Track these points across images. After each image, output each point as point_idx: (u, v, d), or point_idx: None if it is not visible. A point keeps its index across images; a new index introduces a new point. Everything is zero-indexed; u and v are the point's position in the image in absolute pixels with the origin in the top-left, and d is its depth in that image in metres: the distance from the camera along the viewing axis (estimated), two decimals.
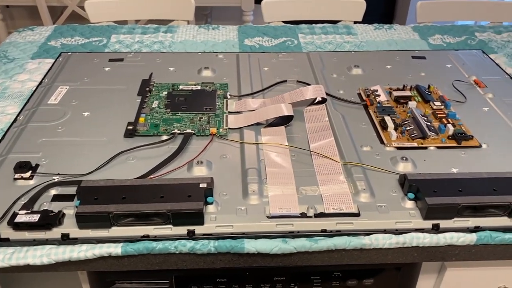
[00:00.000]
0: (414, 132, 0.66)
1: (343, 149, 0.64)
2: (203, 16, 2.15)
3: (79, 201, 0.51)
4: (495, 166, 0.61)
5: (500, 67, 0.88)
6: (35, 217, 0.50)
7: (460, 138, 0.64)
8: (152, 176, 0.57)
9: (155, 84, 0.77)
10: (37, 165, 0.59)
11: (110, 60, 0.86)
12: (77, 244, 0.50)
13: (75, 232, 0.50)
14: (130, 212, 0.50)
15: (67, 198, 0.54)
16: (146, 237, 0.51)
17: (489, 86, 0.80)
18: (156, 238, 0.51)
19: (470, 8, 1.34)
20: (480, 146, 0.65)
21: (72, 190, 0.54)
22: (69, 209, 0.52)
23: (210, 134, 0.65)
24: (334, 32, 1.05)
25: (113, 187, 0.53)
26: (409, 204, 0.54)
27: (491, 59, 0.92)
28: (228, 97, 0.75)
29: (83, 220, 0.50)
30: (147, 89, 0.75)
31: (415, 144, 0.64)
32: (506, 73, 0.86)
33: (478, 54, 0.93)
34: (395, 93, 0.74)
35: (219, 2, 1.86)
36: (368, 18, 1.96)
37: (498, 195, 0.53)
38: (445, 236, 0.52)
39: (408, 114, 0.70)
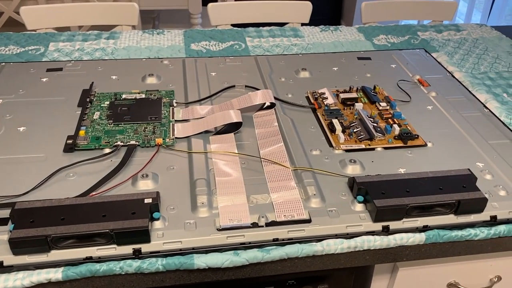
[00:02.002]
0: (362, 134, 0.66)
1: (293, 154, 0.63)
2: (151, 19, 2.10)
3: (13, 225, 0.48)
4: (440, 164, 0.62)
5: (442, 65, 0.91)
6: None
7: (406, 138, 0.65)
8: (93, 193, 0.54)
9: (96, 94, 0.73)
10: None
11: (48, 70, 0.82)
12: (13, 272, 0.47)
13: (9, 259, 0.47)
14: (70, 233, 0.47)
15: (0, 222, 0.50)
16: (89, 259, 0.48)
17: (432, 84, 0.83)
18: (99, 260, 0.48)
19: (412, 8, 1.38)
20: (425, 145, 0.66)
21: (5, 213, 0.50)
22: (3, 234, 0.48)
23: (155, 145, 0.63)
24: (281, 35, 1.04)
25: (50, 207, 0.49)
26: (359, 207, 0.54)
27: (433, 57, 0.94)
28: (174, 105, 0.72)
29: (18, 246, 0.46)
30: (88, 99, 0.71)
31: (363, 146, 0.64)
32: (448, 71, 0.89)
33: (421, 53, 0.95)
34: (342, 95, 0.74)
35: (165, 5, 1.83)
36: (316, 18, 1.99)
37: (443, 194, 0.54)
38: (395, 238, 0.53)
39: (355, 116, 0.71)
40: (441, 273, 0.61)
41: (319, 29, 1.08)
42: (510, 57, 0.98)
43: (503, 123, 0.73)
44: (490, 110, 0.76)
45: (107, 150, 0.62)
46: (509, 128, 0.72)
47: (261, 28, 1.08)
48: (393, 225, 0.53)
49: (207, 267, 0.49)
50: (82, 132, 0.64)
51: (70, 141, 0.62)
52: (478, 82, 0.86)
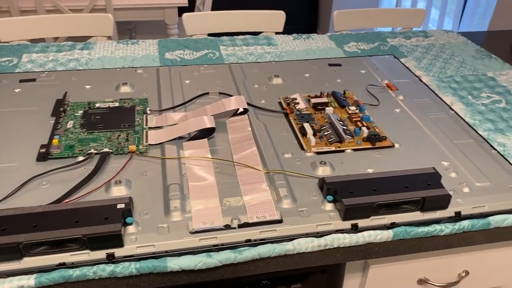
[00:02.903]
0: (332, 136, 0.68)
1: (266, 157, 0.65)
2: (127, 30, 2.10)
3: None
4: (407, 164, 0.65)
5: (410, 70, 0.94)
6: None
7: (374, 139, 0.68)
8: (67, 200, 0.54)
9: (70, 104, 0.74)
10: None
11: (21, 80, 0.82)
12: None
13: None
14: (43, 240, 0.47)
15: None
16: (62, 265, 0.48)
17: (400, 88, 0.85)
18: (73, 265, 0.48)
19: (383, 16, 1.42)
20: (393, 146, 0.68)
21: None
22: None
23: (129, 152, 0.63)
24: (255, 43, 1.06)
25: (22, 215, 0.50)
26: (329, 206, 0.56)
27: (402, 63, 0.97)
28: (148, 112, 0.73)
29: None
30: (61, 109, 0.72)
31: (333, 148, 0.66)
32: (415, 76, 0.92)
33: (389, 58, 0.98)
34: (313, 100, 0.76)
35: (141, 16, 1.84)
36: (293, 27, 2.02)
37: (409, 192, 0.56)
38: (363, 235, 0.54)
39: (325, 120, 0.73)
40: (411, 269, 0.62)
41: (292, 37, 1.10)
42: (475, 62, 1.02)
43: (467, 123, 0.76)
44: (455, 112, 0.79)
45: (80, 158, 0.62)
46: (473, 129, 0.75)
47: (235, 37, 1.10)
48: (361, 223, 0.55)
49: (180, 270, 0.50)
50: (55, 141, 0.64)
51: (43, 150, 0.62)
52: (445, 86, 0.89)
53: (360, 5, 2.61)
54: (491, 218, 0.58)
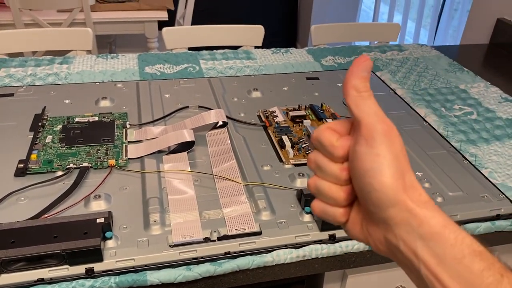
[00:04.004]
0: (310, 148, 0.69)
1: (245, 170, 0.66)
2: (107, 44, 2.10)
3: None
4: None
5: (385, 83, 0.97)
6: None
7: None
8: (45, 216, 0.54)
9: (48, 118, 0.74)
10: None
11: None
12: None
13: None
14: (21, 256, 0.47)
15: None
16: (40, 281, 0.48)
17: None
18: (51, 281, 0.48)
19: (359, 30, 1.45)
20: None
21: None
22: None
23: (108, 166, 0.64)
24: (234, 57, 1.08)
25: (0, 231, 0.49)
26: (307, 217, 0.57)
27: (377, 76, 1.00)
28: (128, 126, 0.73)
29: None
30: (40, 124, 0.72)
31: None
32: (390, 88, 0.94)
33: None
34: (291, 113, 0.78)
35: (121, 30, 1.84)
36: (272, 41, 2.05)
37: None
38: (341, 245, 0.55)
39: (303, 132, 0.74)
40: (388, 278, 0.64)
41: (271, 51, 1.12)
42: (448, 74, 1.05)
43: (440, 135, 0.78)
44: (429, 124, 0.82)
45: (59, 173, 0.62)
46: (446, 140, 0.77)
47: (214, 51, 1.11)
48: (339, 233, 0.56)
49: (160, 283, 0.50)
50: (34, 156, 0.64)
51: (21, 165, 0.62)
52: (419, 98, 0.92)
53: (339, 19, 2.66)
54: (463, 226, 0.60)
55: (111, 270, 0.49)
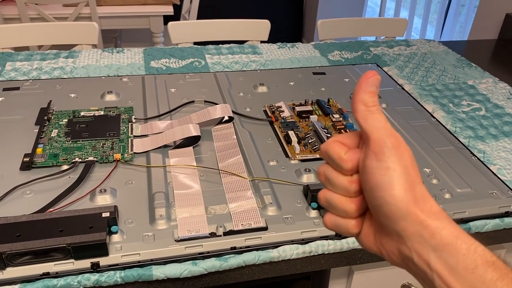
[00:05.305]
0: (316, 144, 0.69)
1: (251, 165, 0.65)
2: (112, 38, 2.10)
3: None
4: None
5: (392, 78, 0.96)
6: None
7: None
8: (51, 210, 0.54)
9: (54, 112, 0.74)
10: None
11: (5, 89, 0.81)
12: None
13: None
14: (26, 250, 0.47)
15: None
16: (46, 275, 0.48)
17: (383, 96, 0.87)
18: (57, 275, 0.48)
19: (366, 25, 1.44)
20: None
21: None
22: None
23: (114, 161, 0.63)
24: (240, 52, 1.07)
25: (6, 225, 0.49)
26: (313, 213, 0.57)
27: (385, 71, 0.99)
28: (133, 120, 0.73)
29: None
30: (46, 117, 0.71)
31: (317, 156, 0.67)
32: (398, 84, 0.93)
33: (373, 67, 1.00)
34: (298, 108, 0.77)
35: (127, 25, 1.84)
36: (278, 36, 2.04)
37: None
38: (347, 241, 0.55)
39: (310, 128, 0.74)
40: (394, 275, 0.63)
41: (277, 46, 1.12)
42: (455, 70, 1.04)
43: (448, 131, 0.78)
44: (437, 120, 0.81)
45: (65, 167, 0.62)
46: (454, 136, 0.76)
47: (220, 45, 1.11)
48: None
49: (165, 278, 0.50)
50: (39, 150, 0.64)
51: (27, 159, 0.62)
52: (426, 94, 0.91)
53: (345, 14, 2.65)
54: (471, 223, 0.59)
55: (116, 265, 0.49)
